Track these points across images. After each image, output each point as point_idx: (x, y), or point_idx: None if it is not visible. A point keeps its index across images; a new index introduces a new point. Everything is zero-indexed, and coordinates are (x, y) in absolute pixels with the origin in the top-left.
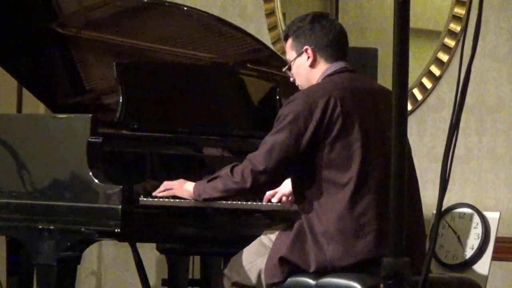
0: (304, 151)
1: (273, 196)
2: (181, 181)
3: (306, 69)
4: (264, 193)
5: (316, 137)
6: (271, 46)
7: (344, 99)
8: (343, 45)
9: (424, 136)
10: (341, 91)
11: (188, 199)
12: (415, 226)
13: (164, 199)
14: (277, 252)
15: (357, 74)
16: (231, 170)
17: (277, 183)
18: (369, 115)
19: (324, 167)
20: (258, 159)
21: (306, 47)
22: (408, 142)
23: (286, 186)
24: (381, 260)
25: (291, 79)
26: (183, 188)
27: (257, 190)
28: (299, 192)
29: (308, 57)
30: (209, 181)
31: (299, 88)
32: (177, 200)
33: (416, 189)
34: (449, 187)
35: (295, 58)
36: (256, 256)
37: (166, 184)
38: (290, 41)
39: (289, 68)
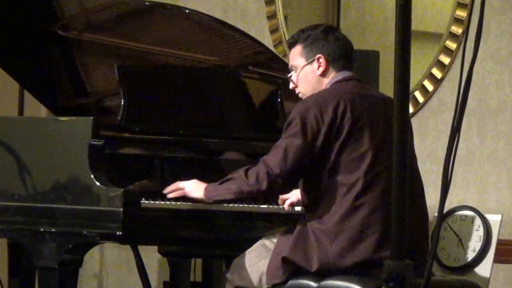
0: (318, 154)
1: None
2: (194, 181)
3: (315, 77)
4: (276, 196)
5: (328, 139)
6: (273, 49)
7: (354, 103)
8: (351, 58)
9: (425, 139)
10: (351, 95)
11: (193, 202)
12: (418, 228)
13: (166, 202)
14: (279, 253)
15: (363, 83)
16: (246, 173)
17: (290, 186)
18: (378, 119)
19: (332, 168)
20: (273, 162)
21: (319, 55)
22: (413, 145)
23: (296, 193)
24: (383, 261)
25: (291, 86)
26: (194, 189)
27: (271, 193)
28: (305, 192)
29: (319, 66)
30: (221, 183)
31: (299, 96)
32: (179, 202)
33: (420, 190)
34: (450, 189)
35: (304, 65)
36: (258, 259)
37: (178, 183)
38: (299, 48)
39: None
